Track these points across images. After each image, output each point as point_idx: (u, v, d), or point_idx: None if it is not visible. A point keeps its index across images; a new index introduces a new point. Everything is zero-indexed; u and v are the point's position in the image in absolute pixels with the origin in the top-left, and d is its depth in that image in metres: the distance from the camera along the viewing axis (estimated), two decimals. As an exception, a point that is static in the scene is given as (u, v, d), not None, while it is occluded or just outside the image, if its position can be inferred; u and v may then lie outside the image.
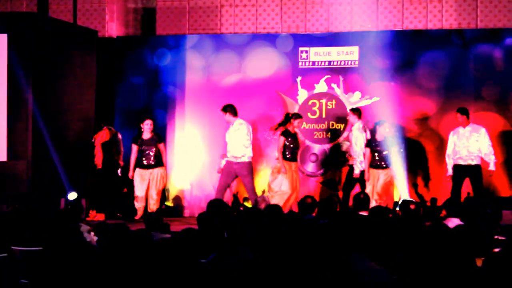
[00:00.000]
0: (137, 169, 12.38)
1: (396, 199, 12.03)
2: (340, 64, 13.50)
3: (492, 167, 11.91)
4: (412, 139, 13.10)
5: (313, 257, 5.24)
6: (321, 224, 6.45)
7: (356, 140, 12.44)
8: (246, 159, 12.23)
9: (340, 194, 12.76)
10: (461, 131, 12.03)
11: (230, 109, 12.23)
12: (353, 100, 13.37)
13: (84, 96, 12.51)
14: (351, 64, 13.46)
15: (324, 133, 13.40)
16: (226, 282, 5.03)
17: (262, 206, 10.10)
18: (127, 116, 14.13)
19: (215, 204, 7.83)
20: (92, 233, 8.12)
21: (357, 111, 12.61)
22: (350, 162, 12.81)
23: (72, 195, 11.07)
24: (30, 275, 5.47)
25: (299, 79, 13.61)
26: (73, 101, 12.21)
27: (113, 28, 14.54)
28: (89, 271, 5.06)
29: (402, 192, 12.14)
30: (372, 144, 12.06)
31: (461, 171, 11.99)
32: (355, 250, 4.97)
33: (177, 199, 13.64)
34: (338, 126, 13.44)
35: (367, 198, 9.53)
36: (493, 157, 11.91)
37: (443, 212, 9.97)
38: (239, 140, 12.13)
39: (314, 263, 5.12)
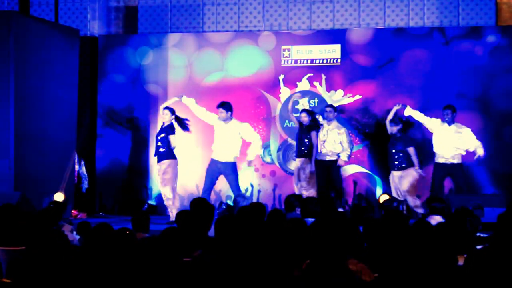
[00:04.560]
0: None
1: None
2: (322, 62, 13.51)
3: (480, 152, 12.05)
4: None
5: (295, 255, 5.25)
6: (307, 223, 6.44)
7: (340, 137, 12.45)
8: (233, 159, 12.27)
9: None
10: (444, 129, 12.08)
11: (230, 107, 12.22)
12: (335, 98, 13.39)
13: (66, 95, 12.45)
14: (333, 62, 13.48)
15: (307, 131, 13.38)
16: (209, 280, 5.03)
17: (242, 203, 10.13)
18: (109, 115, 14.11)
19: (198, 203, 7.81)
20: (75, 232, 8.12)
21: (335, 108, 12.70)
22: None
23: (59, 196, 10.97)
24: (12, 275, 5.44)
25: (281, 77, 13.62)
26: (55, 100, 12.15)
27: (95, 27, 14.50)
28: (71, 270, 5.04)
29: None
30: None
31: (442, 169, 12.05)
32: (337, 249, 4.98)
33: (160, 198, 13.59)
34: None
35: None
36: (480, 150, 12.06)
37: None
38: (235, 139, 12.19)
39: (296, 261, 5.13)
